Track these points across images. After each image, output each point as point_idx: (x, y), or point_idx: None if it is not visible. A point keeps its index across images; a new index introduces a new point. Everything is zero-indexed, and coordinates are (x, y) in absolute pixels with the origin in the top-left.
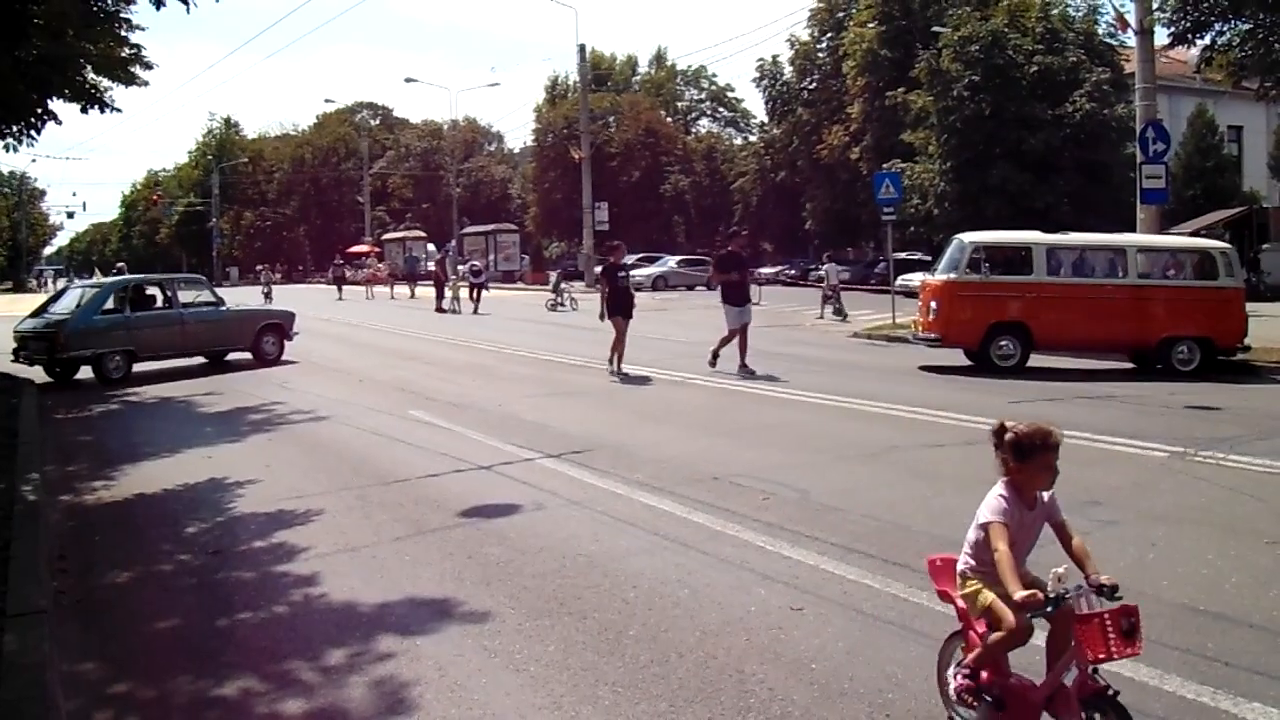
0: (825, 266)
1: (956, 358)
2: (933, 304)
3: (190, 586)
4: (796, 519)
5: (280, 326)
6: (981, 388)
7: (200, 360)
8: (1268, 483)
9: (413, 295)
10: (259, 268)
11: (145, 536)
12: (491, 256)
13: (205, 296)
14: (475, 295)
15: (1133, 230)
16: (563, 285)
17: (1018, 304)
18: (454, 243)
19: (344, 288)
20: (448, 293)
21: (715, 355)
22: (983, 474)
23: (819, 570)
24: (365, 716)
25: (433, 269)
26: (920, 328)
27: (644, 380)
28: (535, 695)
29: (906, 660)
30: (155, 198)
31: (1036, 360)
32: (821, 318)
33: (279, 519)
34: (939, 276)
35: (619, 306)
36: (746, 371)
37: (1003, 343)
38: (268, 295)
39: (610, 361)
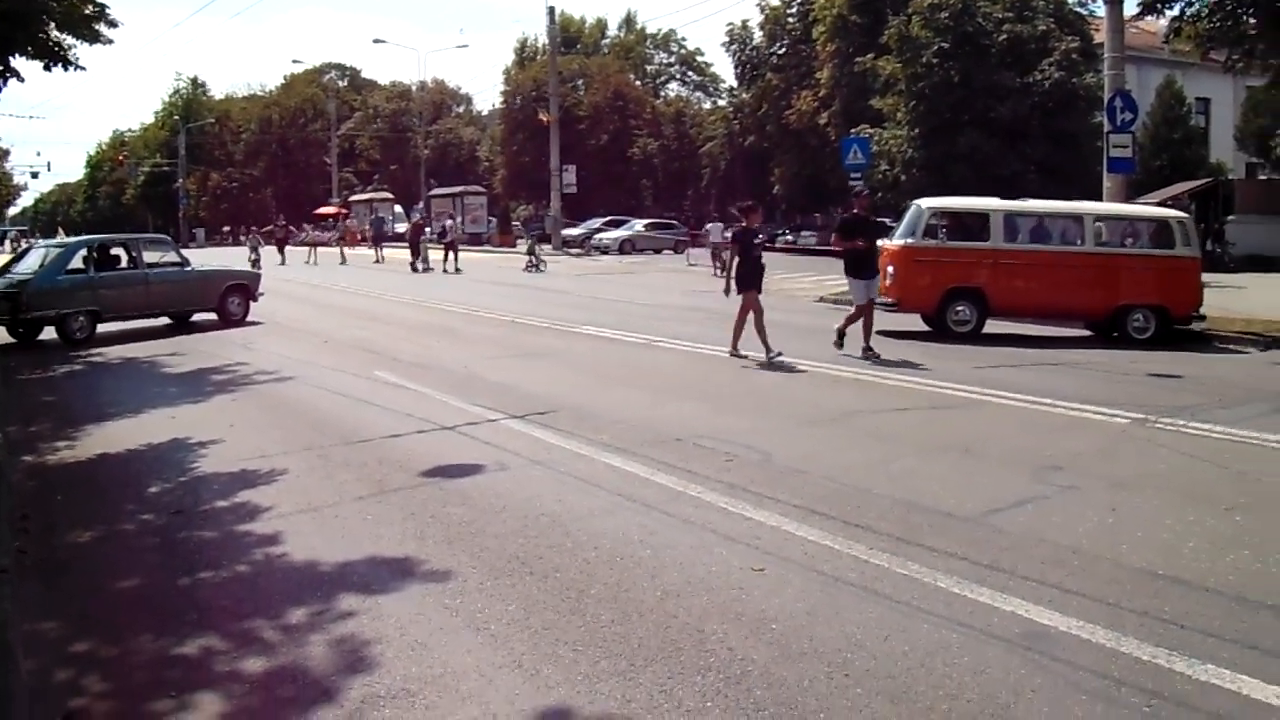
0: (709, 225)
1: (915, 322)
2: (889, 269)
3: (152, 546)
4: (759, 481)
5: (245, 287)
6: (944, 353)
7: (165, 321)
8: (1227, 450)
9: (379, 260)
10: (227, 228)
11: (108, 496)
12: (459, 218)
13: (170, 257)
14: (448, 255)
15: (1099, 199)
16: (536, 248)
17: (975, 270)
18: (421, 205)
19: (286, 250)
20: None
21: (841, 335)
22: (944, 438)
23: (780, 531)
24: (326, 675)
25: (403, 230)
26: (877, 292)
27: (614, 344)
28: (496, 654)
29: (866, 621)
30: (121, 158)
31: (993, 326)
32: (715, 274)
33: (242, 479)
34: (896, 241)
35: (752, 278)
36: (872, 355)
37: (959, 308)
38: (255, 260)
39: (736, 345)
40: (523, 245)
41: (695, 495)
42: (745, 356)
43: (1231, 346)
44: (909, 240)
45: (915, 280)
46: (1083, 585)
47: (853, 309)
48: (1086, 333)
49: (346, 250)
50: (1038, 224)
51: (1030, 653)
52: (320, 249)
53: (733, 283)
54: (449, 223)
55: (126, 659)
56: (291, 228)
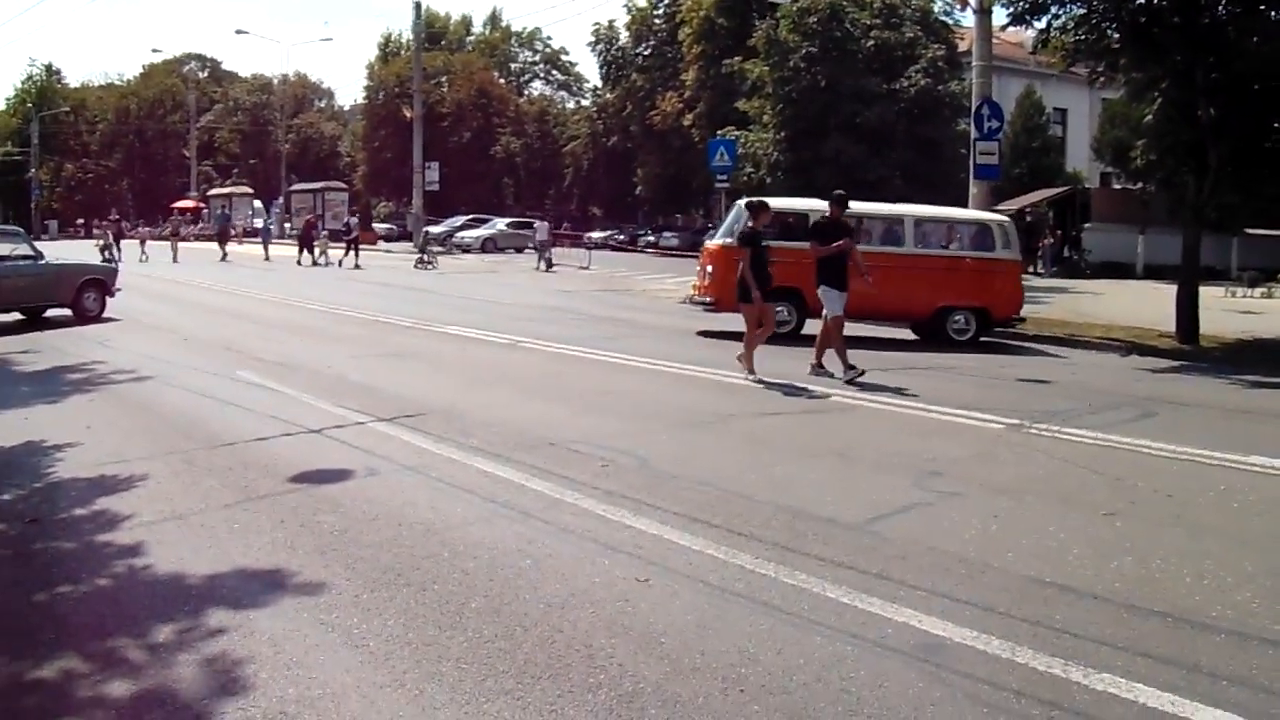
0: (536, 224)
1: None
2: (708, 268)
3: (5, 559)
4: (637, 487)
5: (102, 282)
6: (808, 358)
7: (16, 317)
8: (1101, 455)
9: (224, 257)
10: (81, 221)
11: None
12: (319, 215)
13: (22, 250)
14: (349, 251)
15: (964, 205)
16: (430, 246)
17: (793, 270)
18: (281, 200)
19: (120, 245)
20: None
21: (820, 359)
22: (821, 442)
23: (663, 540)
24: (198, 698)
25: (259, 227)
26: (698, 291)
27: (480, 344)
28: (376, 672)
29: (758, 634)
30: None
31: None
32: (538, 269)
33: (101, 484)
34: (716, 241)
35: (761, 286)
36: (823, 372)
37: (779, 308)
38: (108, 257)
39: (744, 361)
40: (390, 243)
41: (573, 502)
42: (762, 379)
43: (1095, 352)
44: (728, 240)
45: (733, 279)
46: (973, 594)
47: (821, 327)
48: (910, 335)
49: (154, 244)
50: (858, 225)
51: (927, 665)
52: (150, 243)
53: (752, 289)
54: (352, 220)
55: None
56: (124, 223)
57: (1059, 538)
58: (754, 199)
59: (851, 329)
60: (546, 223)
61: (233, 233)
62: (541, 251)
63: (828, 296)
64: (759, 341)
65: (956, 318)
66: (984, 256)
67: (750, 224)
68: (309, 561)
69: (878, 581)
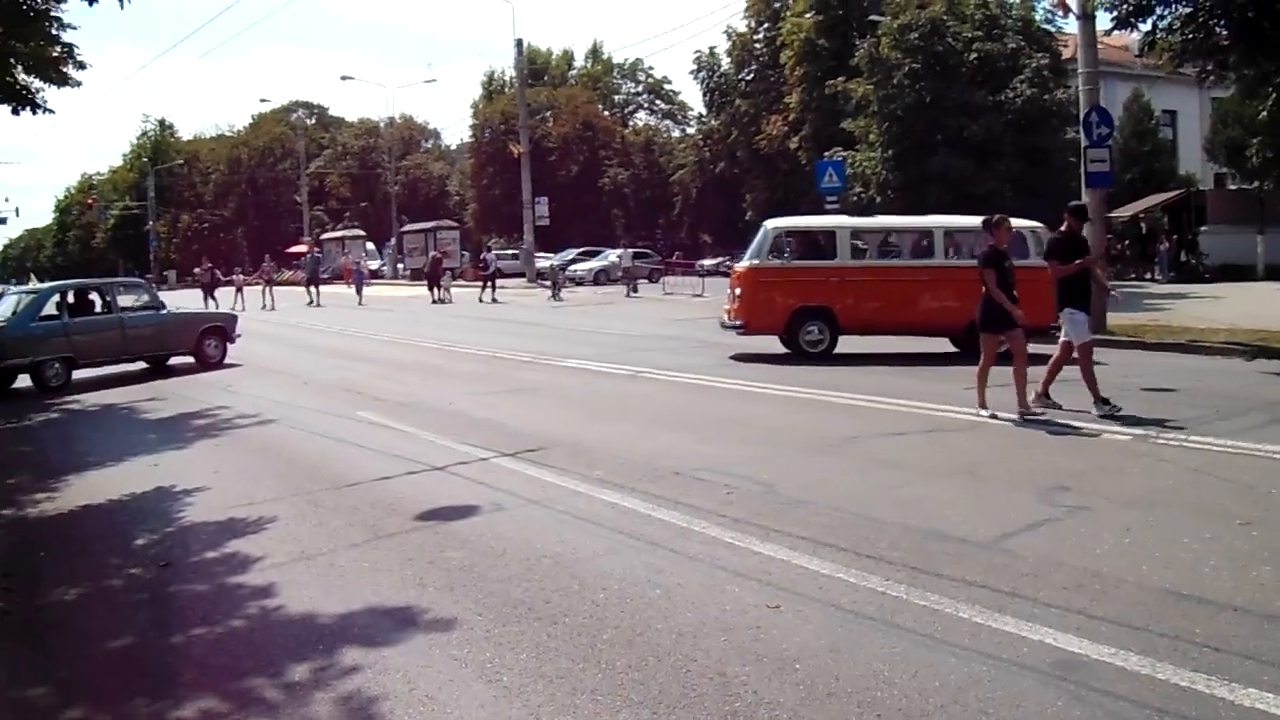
0: (619, 253)
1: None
2: (736, 290)
3: (142, 602)
4: (763, 513)
5: (222, 329)
6: (933, 376)
7: (142, 365)
8: (1232, 463)
9: (316, 302)
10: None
11: (92, 550)
12: (446, 253)
13: (145, 300)
14: (485, 286)
15: None
16: (560, 278)
17: (822, 288)
18: (393, 241)
19: (216, 294)
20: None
21: (1047, 390)
22: (946, 461)
23: (791, 565)
24: None
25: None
26: (729, 315)
27: (599, 376)
28: (511, 707)
29: (891, 657)
30: (90, 201)
31: (857, 346)
32: (627, 296)
33: (230, 528)
34: (743, 264)
35: (1004, 314)
36: (1046, 402)
37: (810, 328)
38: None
39: (981, 398)
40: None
41: (700, 530)
42: (987, 412)
43: (1219, 357)
44: (754, 261)
45: (762, 301)
46: (1108, 610)
47: (1059, 350)
48: (952, 349)
49: (248, 290)
50: (885, 239)
51: (1065, 683)
52: (246, 289)
53: (1011, 312)
54: (489, 256)
55: None
56: (218, 271)
57: (1193, 549)
58: (994, 215)
59: (893, 344)
60: (629, 250)
61: (351, 272)
62: (625, 277)
63: (1073, 321)
64: (1022, 374)
65: None
66: (1020, 265)
67: (992, 243)
68: (439, 598)
69: (1011, 600)
